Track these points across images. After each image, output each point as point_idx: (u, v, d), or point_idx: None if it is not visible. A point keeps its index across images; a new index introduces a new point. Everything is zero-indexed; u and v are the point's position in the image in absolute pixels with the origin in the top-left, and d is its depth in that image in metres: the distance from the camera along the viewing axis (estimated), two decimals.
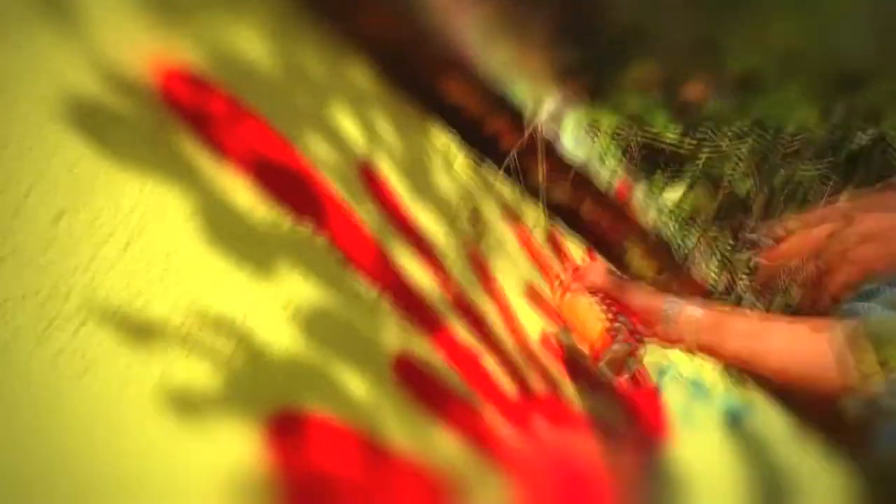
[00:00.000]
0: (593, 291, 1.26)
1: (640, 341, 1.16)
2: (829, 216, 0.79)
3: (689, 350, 1.08)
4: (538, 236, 1.56)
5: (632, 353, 1.15)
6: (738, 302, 1.96)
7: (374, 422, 0.95)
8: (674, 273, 1.86)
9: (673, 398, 1.72)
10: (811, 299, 0.78)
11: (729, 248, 1.99)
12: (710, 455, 1.72)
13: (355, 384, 0.95)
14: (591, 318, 1.21)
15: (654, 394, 1.67)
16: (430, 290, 1.18)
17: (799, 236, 0.83)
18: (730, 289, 2.00)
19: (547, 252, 1.57)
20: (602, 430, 1.40)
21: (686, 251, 1.87)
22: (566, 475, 1.22)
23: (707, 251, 1.94)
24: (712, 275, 1.94)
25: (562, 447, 1.26)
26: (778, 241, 0.82)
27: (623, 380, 1.18)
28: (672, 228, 1.86)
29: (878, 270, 0.74)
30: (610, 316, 1.18)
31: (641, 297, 1.17)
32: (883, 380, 0.74)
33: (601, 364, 1.17)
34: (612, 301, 1.21)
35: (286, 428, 0.83)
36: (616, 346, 1.15)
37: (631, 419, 1.51)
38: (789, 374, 0.90)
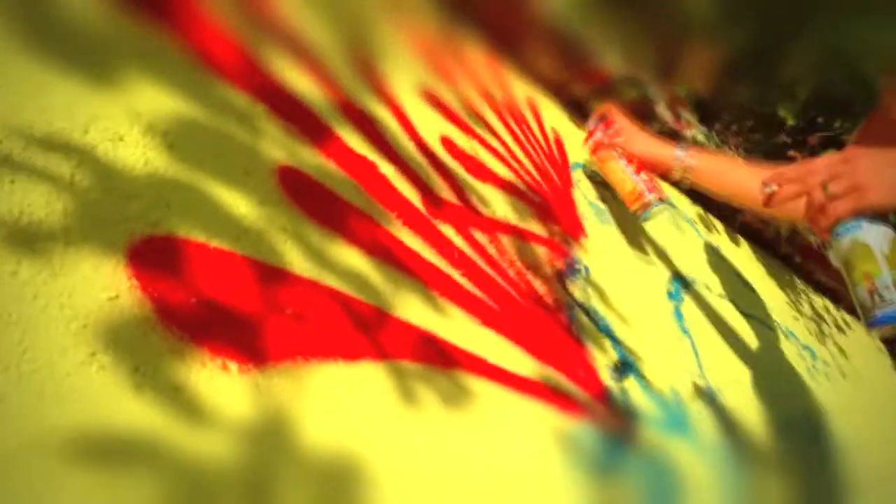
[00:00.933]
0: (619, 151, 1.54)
1: (657, 189, 1.51)
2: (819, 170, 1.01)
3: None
4: (432, 37, 1.42)
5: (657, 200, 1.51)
6: None
7: (261, 243, 0.84)
8: (579, 69, 1.76)
9: (584, 197, 1.67)
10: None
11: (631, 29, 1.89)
12: (621, 251, 1.70)
13: (234, 203, 0.83)
14: (620, 177, 1.53)
15: (568, 194, 1.61)
16: (313, 96, 1.04)
17: (796, 183, 1.03)
18: (632, 79, 1.92)
19: (444, 52, 1.43)
20: (517, 233, 1.33)
21: (588, 43, 1.76)
22: (483, 282, 1.16)
23: (609, 39, 1.83)
24: (615, 67, 1.85)
25: (476, 253, 1.18)
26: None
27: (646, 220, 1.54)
28: (572, 18, 1.73)
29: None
30: (633, 177, 1.52)
31: (650, 148, 1.52)
32: (867, 287, 0.98)
33: (637, 213, 1.54)
34: (631, 158, 1.53)
35: (153, 256, 0.72)
36: (645, 200, 1.51)
37: (546, 220, 1.45)
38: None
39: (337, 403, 0.82)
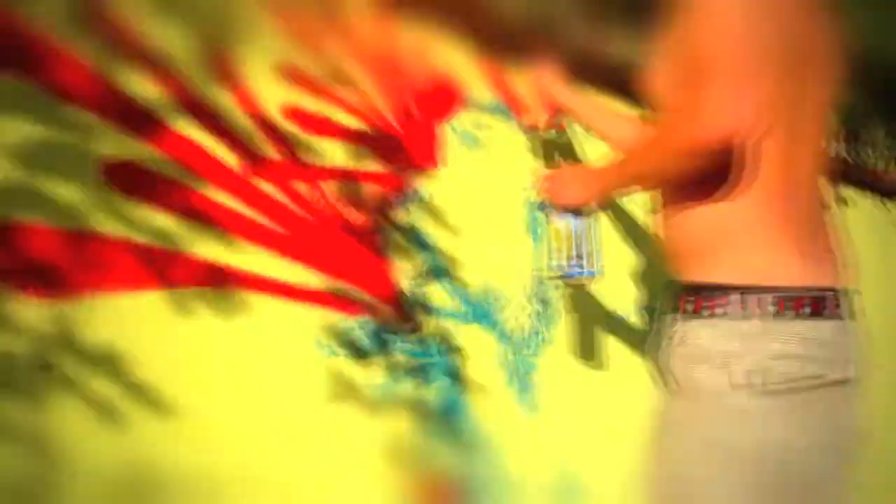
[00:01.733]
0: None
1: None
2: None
3: None
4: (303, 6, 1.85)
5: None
6: None
7: (80, 218, 1.43)
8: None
9: (455, 129, 2.09)
10: None
11: None
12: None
13: (63, 192, 1.42)
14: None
15: (431, 130, 2.04)
16: (154, 98, 1.56)
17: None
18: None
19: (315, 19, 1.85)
20: (346, 176, 1.82)
21: None
22: (289, 221, 1.69)
23: None
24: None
25: (291, 200, 1.71)
26: None
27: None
28: None
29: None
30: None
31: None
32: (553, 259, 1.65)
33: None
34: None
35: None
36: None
37: (391, 158, 1.92)
38: None
39: (121, 321, 1.43)
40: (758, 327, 1.17)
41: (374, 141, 1.87)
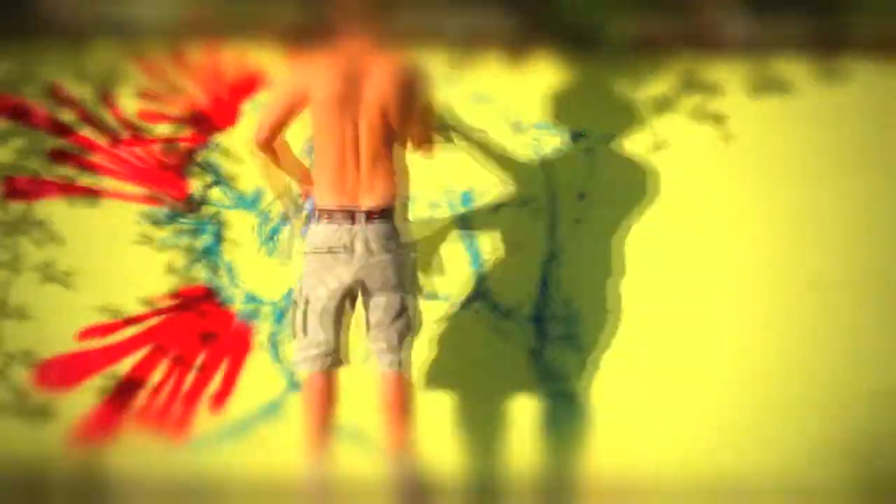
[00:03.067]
0: None
1: None
2: None
3: None
4: (158, 59, 3.81)
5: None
6: None
7: (27, 170, 3.64)
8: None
9: (251, 108, 3.78)
10: None
11: None
12: None
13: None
14: None
15: (235, 106, 3.78)
16: (71, 119, 3.70)
17: None
18: None
19: (164, 64, 3.79)
20: (168, 139, 3.70)
21: None
22: (125, 164, 3.66)
23: None
24: None
25: (131, 155, 3.68)
26: None
27: None
28: None
29: None
30: None
31: None
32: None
33: None
34: None
35: None
36: None
37: (199, 126, 3.73)
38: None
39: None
40: (314, 224, 2.89)
41: (189, 119, 3.69)
